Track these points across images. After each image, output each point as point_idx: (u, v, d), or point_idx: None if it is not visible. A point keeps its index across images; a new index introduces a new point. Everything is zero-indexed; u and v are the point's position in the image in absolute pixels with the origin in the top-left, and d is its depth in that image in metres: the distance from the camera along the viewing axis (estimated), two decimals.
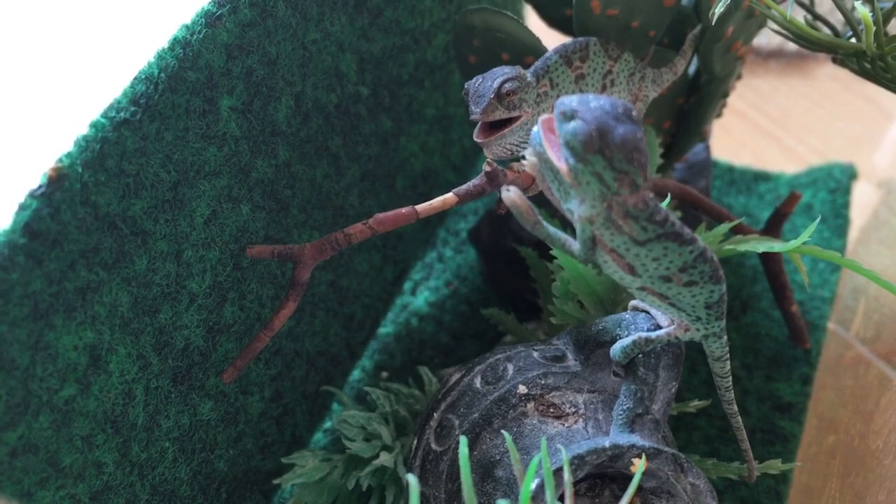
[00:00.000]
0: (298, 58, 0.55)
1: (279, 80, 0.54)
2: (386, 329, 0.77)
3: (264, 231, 0.56)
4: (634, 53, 0.59)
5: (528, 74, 0.55)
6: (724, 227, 0.57)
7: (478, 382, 0.53)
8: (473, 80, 0.55)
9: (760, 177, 0.91)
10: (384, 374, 0.74)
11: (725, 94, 0.69)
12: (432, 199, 0.52)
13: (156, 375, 0.49)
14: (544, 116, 0.41)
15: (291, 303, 0.52)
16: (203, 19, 0.47)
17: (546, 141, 0.41)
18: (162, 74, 0.45)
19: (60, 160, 0.40)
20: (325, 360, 0.67)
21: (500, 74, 0.54)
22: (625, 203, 0.38)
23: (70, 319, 0.42)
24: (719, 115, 0.73)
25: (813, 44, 0.55)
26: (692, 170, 0.79)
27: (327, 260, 0.61)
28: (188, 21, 0.47)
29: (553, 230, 0.43)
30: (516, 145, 0.55)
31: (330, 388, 0.66)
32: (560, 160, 0.40)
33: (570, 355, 0.54)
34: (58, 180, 0.40)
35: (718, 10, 0.50)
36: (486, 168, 0.52)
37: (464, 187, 0.53)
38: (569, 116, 0.38)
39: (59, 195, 0.40)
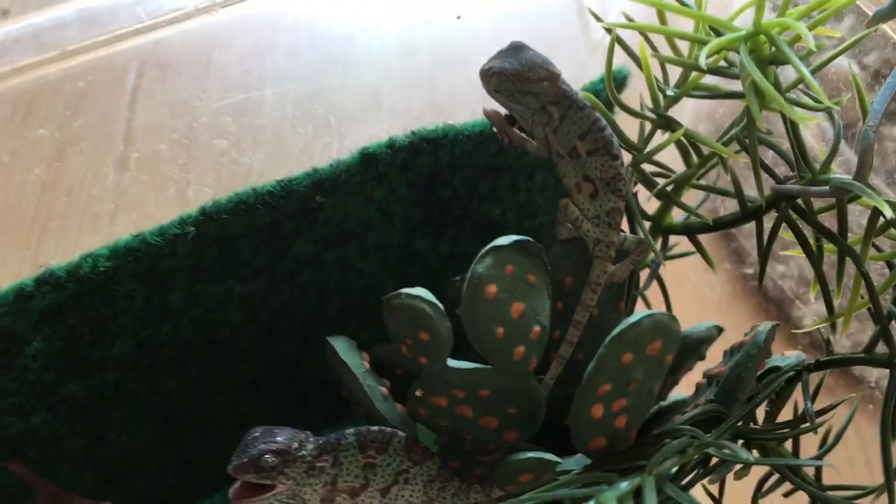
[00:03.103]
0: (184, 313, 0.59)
1: (123, 327, 0.58)
2: None
3: (68, 427, 0.62)
4: (441, 463, 0.58)
5: (310, 444, 0.56)
6: None
7: None
8: (256, 429, 0.56)
9: None
10: None
11: None
12: None
13: None
14: None
15: None
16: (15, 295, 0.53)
17: None
18: None
19: None
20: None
21: (274, 440, 0.55)
22: None
23: None
24: None
25: None
26: None
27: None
28: None
29: None
30: None
31: None
32: None
33: None
34: None
35: None
36: None
37: None
38: None
39: None
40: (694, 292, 0.75)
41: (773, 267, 0.86)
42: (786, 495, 0.62)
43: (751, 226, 0.60)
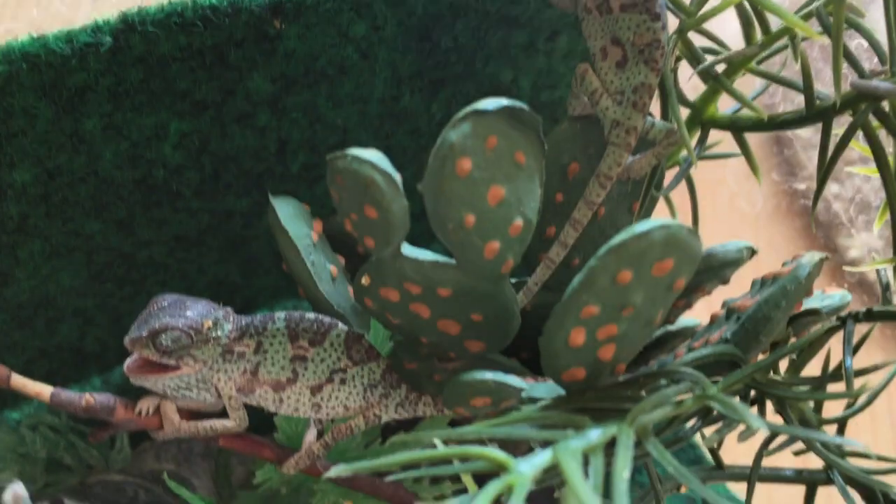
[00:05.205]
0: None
1: (22, 150, 0.48)
2: None
3: None
4: (387, 367, 0.48)
5: (228, 325, 0.46)
6: None
7: None
8: (165, 297, 0.46)
9: None
10: None
11: None
12: None
13: None
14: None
15: None
16: None
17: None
18: None
19: None
20: None
21: (183, 314, 0.45)
22: None
23: None
24: None
25: None
26: None
27: None
28: None
29: None
30: (172, 389, 0.47)
31: None
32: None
33: None
34: None
35: None
36: (89, 399, 0.46)
37: (66, 396, 0.47)
38: None
39: None
40: (730, 203, 0.63)
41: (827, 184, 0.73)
42: (797, 454, 0.52)
43: (810, 134, 0.47)
